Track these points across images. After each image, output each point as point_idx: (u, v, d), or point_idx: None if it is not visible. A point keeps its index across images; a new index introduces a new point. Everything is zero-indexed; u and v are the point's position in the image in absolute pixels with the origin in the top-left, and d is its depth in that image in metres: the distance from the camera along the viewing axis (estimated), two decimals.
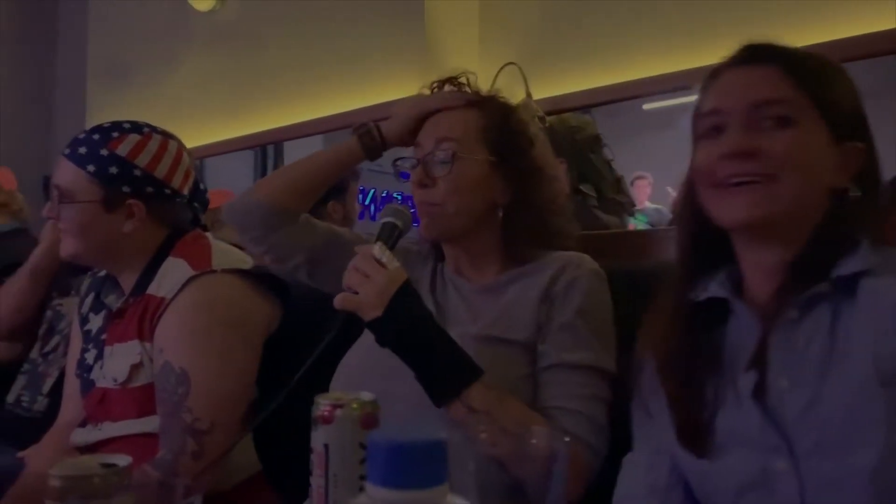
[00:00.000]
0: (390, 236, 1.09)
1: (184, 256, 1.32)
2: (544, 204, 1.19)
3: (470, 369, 0.97)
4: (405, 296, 0.98)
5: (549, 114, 2.07)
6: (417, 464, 0.38)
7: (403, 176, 1.21)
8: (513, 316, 1.10)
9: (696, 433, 0.85)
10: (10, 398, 1.89)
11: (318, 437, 0.68)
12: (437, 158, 1.15)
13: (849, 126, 0.84)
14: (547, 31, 2.22)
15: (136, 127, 1.36)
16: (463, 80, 1.24)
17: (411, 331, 0.98)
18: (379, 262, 1.00)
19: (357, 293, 0.98)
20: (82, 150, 1.31)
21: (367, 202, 4.92)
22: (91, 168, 1.30)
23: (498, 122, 1.18)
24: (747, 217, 0.82)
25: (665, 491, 0.90)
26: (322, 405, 0.68)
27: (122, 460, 0.56)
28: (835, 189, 0.83)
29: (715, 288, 0.88)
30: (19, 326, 1.92)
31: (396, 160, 1.23)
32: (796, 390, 0.78)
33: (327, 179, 1.32)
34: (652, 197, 4.06)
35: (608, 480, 0.98)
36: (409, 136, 1.23)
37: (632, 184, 5.01)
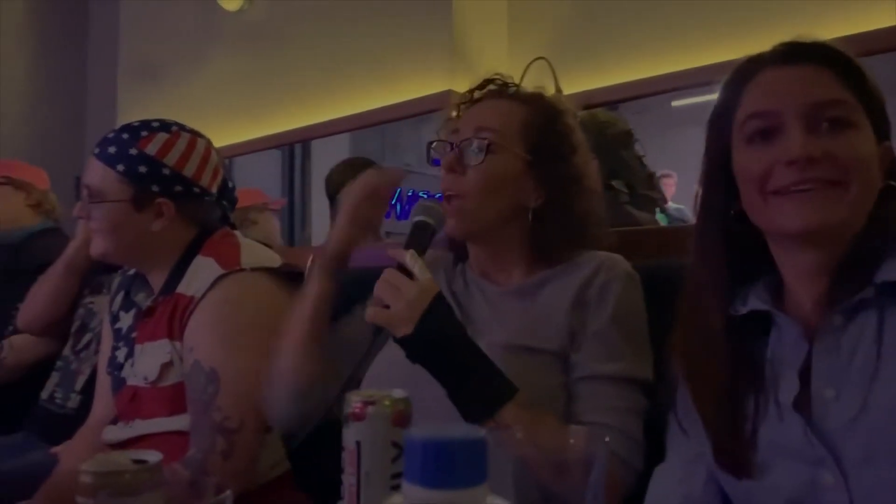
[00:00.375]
0: (422, 238, 1.04)
1: (213, 255, 1.32)
2: (578, 214, 1.12)
3: (503, 389, 0.92)
4: (437, 311, 0.94)
5: (582, 108, 2.05)
6: (456, 462, 0.37)
7: (436, 162, 1.15)
8: (543, 323, 1.05)
9: (735, 456, 0.81)
10: (44, 395, 1.92)
11: (350, 435, 0.67)
12: (472, 146, 1.10)
13: (885, 124, 0.82)
14: (576, 26, 2.19)
15: (165, 126, 1.36)
16: (500, 79, 1.19)
17: (443, 349, 0.94)
18: (410, 272, 0.96)
19: (388, 307, 0.94)
20: (112, 149, 1.32)
21: (393, 201, 4.93)
22: (121, 167, 1.30)
23: (541, 122, 1.13)
24: (813, 224, 0.77)
25: (700, 502, 0.86)
26: (354, 402, 0.67)
27: (153, 457, 0.55)
28: (878, 190, 0.80)
29: (755, 300, 0.84)
30: (52, 323, 1.94)
31: (431, 142, 1.17)
32: (842, 400, 0.75)
33: (319, 327, 1.12)
34: (676, 196, 4.00)
35: (638, 490, 0.95)
36: (361, 231, 1.12)
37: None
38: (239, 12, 3.05)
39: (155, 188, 1.31)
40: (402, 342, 0.94)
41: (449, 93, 2.09)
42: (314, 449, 1.20)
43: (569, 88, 2.10)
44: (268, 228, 2.94)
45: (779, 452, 0.79)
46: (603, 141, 1.79)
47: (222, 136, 3.08)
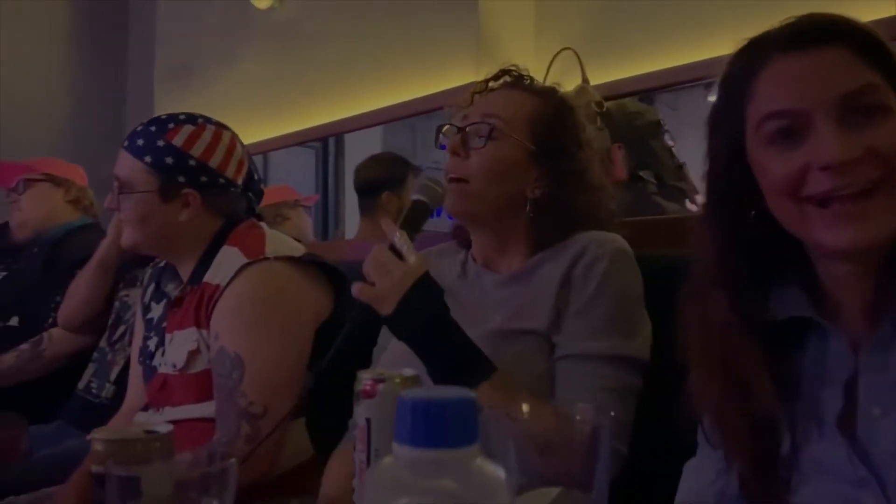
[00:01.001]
0: (416, 218, 1.07)
1: (238, 244, 1.34)
2: (578, 209, 1.11)
3: (477, 370, 0.94)
4: (419, 291, 0.96)
5: (608, 99, 2.02)
6: (445, 422, 0.37)
7: (443, 147, 1.17)
8: (533, 305, 1.05)
9: (767, 479, 0.74)
10: (81, 385, 1.96)
11: (361, 412, 0.67)
12: (477, 130, 1.12)
13: None
14: (605, 13, 2.17)
15: (191, 118, 1.39)
16: (516, 71, 1.21)
17: (422, 328, 0.96)
18: (399, 252, 0.98)
19: (374, 284, 0.97)
20: (140, 141, 1.35)
21: None
22: (148, 159, 1.33)
23: (549, 116, 1.14)
24: (864, 241, 0.68)
25: (737, 499, 0.78)
26: (364, 380, 0.68)
27: (164, 427, 0.56)
28: None
29: (795, 306, 0.76)
30: (89, 318, 1.99)
31: (441, 126, 1.20)
32: (890, 419, 0.69)
33: None
34: None
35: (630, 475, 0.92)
36: None
37: None
38: (270, 10, 3.09)
39: (181, 179, 1.34)
40: (386, 320, 0.97)
41: (473, 85, 2.09)
42: (338, 435, 1.22)
43: (598, 78, 2.07)
44: (299, 225, 2.97)
45: (818, 470, 0.73)
46: (631, 131, 1.77)
47: (256, 133, 3.12)
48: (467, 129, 1.13)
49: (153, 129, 1.36)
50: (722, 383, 0.77)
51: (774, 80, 0.72)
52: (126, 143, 1.37)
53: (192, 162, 1.35)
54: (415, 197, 1.09)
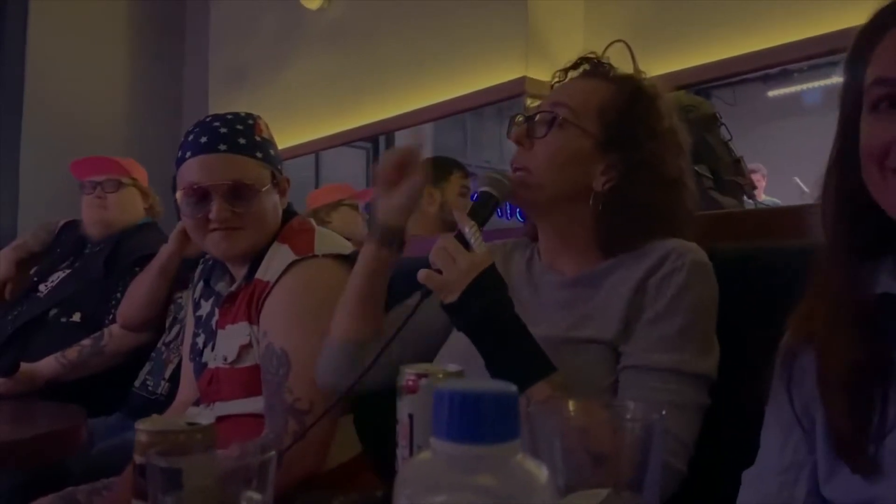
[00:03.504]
0: (484, 209, 1.05)
1: (288, 242, 1.35)
2: (648, 204, 1.05)
3: (536, 367, 0.92)
4: (484, 283, 0.94)
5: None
6: (484, 416, 0.35)
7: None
8: (602, 313, 1.01)
9: (859, 448, 0.72)
10: (137, 383, 2.03)
11: (404, 407, 0.66)
12: (542, 119, 1.08)
13: None
14: (655, 5, 2.11)
15: (251, 115, 1.43)
16: (595, 57, 1.16)
17: (483, 321, 0.95)
18: (468, 242, 0.97)
19: (441, 272, 0.96)
20: (241, 140, 1.34)
21: (473, 198, 4.94)
22: (259, 154, 1.36)
23: (622, 103, 1.07)
24: None
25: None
26: (408, 375, 0.67)
27: (206, 419, 0.56)
28: None
29: (888, 281, 0.74)
30: (150, 319, 2.04)
31: (514, 116, 1.16)
32: None
33: (372, 289, 1.14)
34: (767, 190, 3.79)
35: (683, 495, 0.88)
36: (401, 199, 1.12)
37: None
38: (320, 11, 3.12)
39: (280, 167, 1.41)
40: (447, 308, 0.96)
41: (523, 79, 2.06)
42: (387, 431, 1.21)
43: (652, 71, 2.03)
44: (344, 224, 2.96)
45: None
46: (686, 124, 1.72)
47: (309, 132, 3.16)
48: (535, 118, 1.10)
49: (240, 127, 1.36)
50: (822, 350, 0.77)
51: (889, 48, 0.72)
52: (223, 147, 1.32)
53: (273, 151, 1.41)
54: (482, 189, 1.07)
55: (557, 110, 1.07)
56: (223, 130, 1.34)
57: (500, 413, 0.35)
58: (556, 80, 1.17)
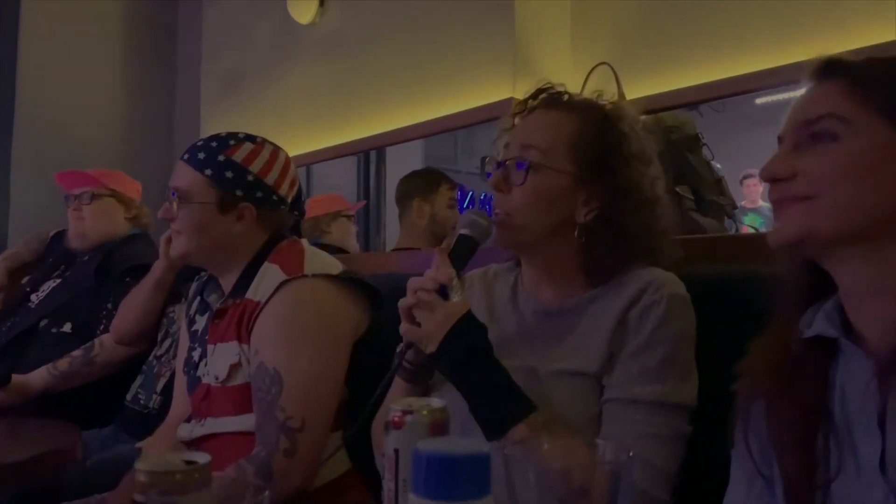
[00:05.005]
0: (463, 253, 1.07)
1: (278, 262, 1.38)
2: (629, 229, 1.07)
3: (513, 410, 0.95)
4: (461, 331, 0.98)
5: (647, 113, 2.01)
6: (459, 476, 0.39)
7: (490, 175, 1.15)
8: (585, 345, 1.04)
9: (807, 497, 0.75)
10: (129, 396, 2.04)
11: (390, 442, 0.69)
12: (516, 166, 1.09)
13: None
14: (642, 28, 2.15)
15: (251, 137, 1.45)
16: (553, 88, 1.17)
17: (462, 368, 0.99)
18: (445, 291, 1.01)
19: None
20: (201, 155, 1.41)
21: (465, 204, 4.97)
22: (209, 171, 1.39)
23: (591, 134, 1.09)
24: (771, 244, 0.78)
25: None
26: (393, 411, 0.70)
27: (203, 458, 0.59)
28: None
29: (822, 323, 0.77)
30: (143, 332, 2.06)
31: (484, 158, 1.19)
32: None
33: None
34: (765, 195, 3.83)
35: None
36: None
37: (740, 182, 4.77)
38: (311, 25, 3.14)
39: (239, 192, 1.40)
40: (429, 358, 1.00)
41: (511, 100, 2.10)
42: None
43: (637, 92, 2.07)
44: (341, 236, 3.02)
45: None
46: (668, 145, 1.76)
47: (300, 145, 3.18)
48: (507, 163, 1.11)
49: (214, 144, 1.42)
50: (772, 385, 0.80)
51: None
52: (186, 156, 1.43)
53: (250, 177, 1.40)
54: (461, 232, 1.09)
55: (528, 155, 1.08)
56: (199, 143, 1.43)
57: (472, 474, 0.39)
58: (517, 111, 1.19)
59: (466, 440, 0.40)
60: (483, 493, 0.39)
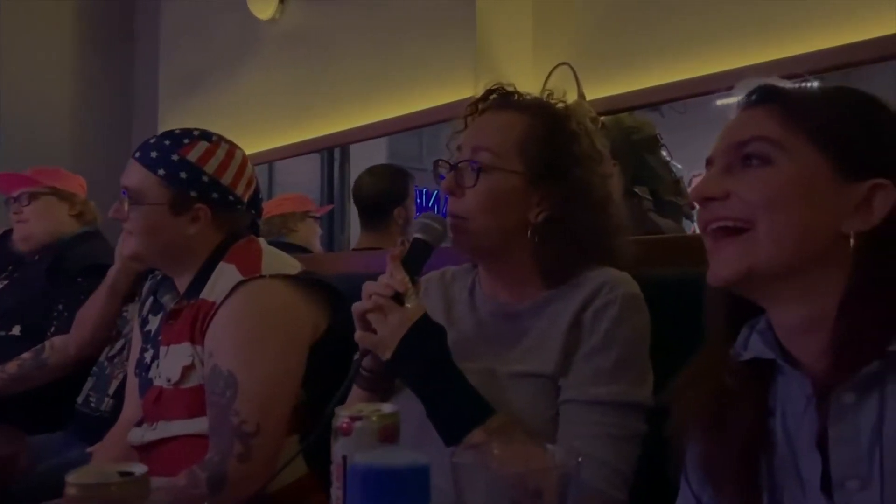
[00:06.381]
0: (418, 257, 1.07)
1: (234, 262, 1.35)
2: (582, 229, 1.08)
3: (471, 415, 0.95)
4: (416, 337, 0.98)
5: (608, 113, 2.02)
6: (397, 487, 0.38)
7: (442, 178, 1.15)
8: (542, 346, 1.04)
9: None
10: (80, 399, 1.98)
11: (338, 449, 0.68)
12: (467, 168, 1.09)
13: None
14: (603, 29, 2.16)
15: (206, 135, 1.41)
16: (503, 89, 1.17)
17: (418, 373, 0.99)
18: (398, 296, 1.00)
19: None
20: (153, 154, 1.36)
21: (430, 203, 4.96)
22: (161, 172, 1.35)
23: (541, 134, 1.09)
24: (712, 281, 0.77)
25: None
26: (341, 417, 0.68)
27: (139, 469, 0.57)
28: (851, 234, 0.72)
29: (758, 345, 0.77)
30: (101, 340, 2.01)
31: (436, 161, 1.17)
32: (867, 492, 0.67)
33: None
34: None
35: None
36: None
37: (689, 183, 4.84)
38: (272, 21, 3.10)
39: (193, 193, 1.36)
40: (386, 365, 1.00)
41: (471, 100, 2.09)
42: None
43: (599, 93, 2.07)
44: (307, 236, 3.00)
45: None
46: (628, 146, 1.77)
47: (262, 142, 3.14)
48: (459, 165, 1.11)
49: (167, 142, 1.37)
50: (706, 420, 0.79)
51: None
52: (138, 155, 1.38)
53: (205, 178, 1.37)
54: (416, 236, 1.08)
55: (480, 157, 1.08)
56: (152, 141, 1.39)
57: (409, 486, 0.38)
58: (468, 113, 1.19)
59: (408, 452, 0.39)
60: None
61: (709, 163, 0.80)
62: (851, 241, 0.71)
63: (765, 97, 0.79)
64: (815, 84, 0.81)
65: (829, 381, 0.71)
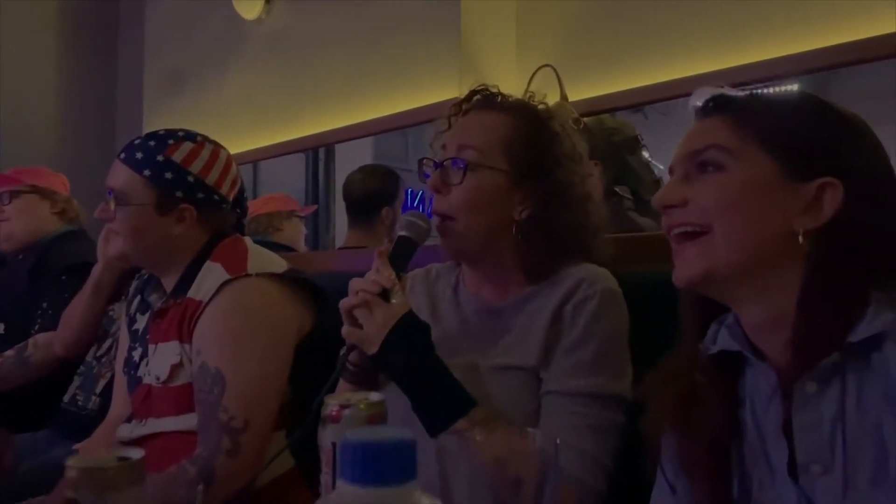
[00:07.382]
0: (403, 254, 1.09)
1: (221, 261, 1.37)
2: (563, 227, 1.11)
3: (456, 408, 0.98)
4: (401, 332, 1.00)
5: (591, 114, 2.05)
6: (383, 461, 0.40)
7: (426, 176, 1.17)
8: (524, 340, 1.07)
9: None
10: (66, 398, 1.98)
11: (327, 436, 0.70)
12: (454, 165, 1.11)
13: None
14: (586, 31, 2.19)
15: (190, 135, 1.42)
16: (486, 90, 1.20)
17: (404, 369, 1.01)
18: (385, 292, 1.02)
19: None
20: (139, 154, 1.37)
21: (415, 203, 4.96)
22: (147, 172, 1.36)
23: (524, 134, 1.13)
24: (677, 282, 0.81)
25: None
26: (330, 405, 0.71)
27: (136, 454, 0.58)
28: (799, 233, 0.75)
29: (726, 339, 0.81)
30: (87, 339, 2.01)
31: (421, 160, 1.20)
32: (830, 475, 0.71)
33: None
34: None
35: None
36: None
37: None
38: (258, 21, 3.10)
39: (179, 194, 1.37)
40: (372, 360, 1.02)
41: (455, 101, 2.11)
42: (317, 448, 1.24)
43: (582, 94, 2.10)
44: (293, 235, 3.01)
45: None
46: (609, 147, 1.80)
47: (247, 141, 3.14)
48: (444, 164, 1.13)
49: (152, 143, 1.38)
50: (680, 411, 0.82)
51: None
52: (123, 156, 1.39)
53: (190, 178, 1.38)
54: (400, 233, 1.10)
55: (466, 154, 1.11)
56: (137, 142, 1.40)
57: (397, 458, 0.40)
58: (452, 113, 1.22)
59: (395, 429, 0.42)
60: (409, 476, 0.40)
61: (670, 171, 0.84)
62: (800, 238, 0.74)
63: (718, 106, 0.83)
64: (768, 91, 0.85)
65: (792, 373, 0.74)
